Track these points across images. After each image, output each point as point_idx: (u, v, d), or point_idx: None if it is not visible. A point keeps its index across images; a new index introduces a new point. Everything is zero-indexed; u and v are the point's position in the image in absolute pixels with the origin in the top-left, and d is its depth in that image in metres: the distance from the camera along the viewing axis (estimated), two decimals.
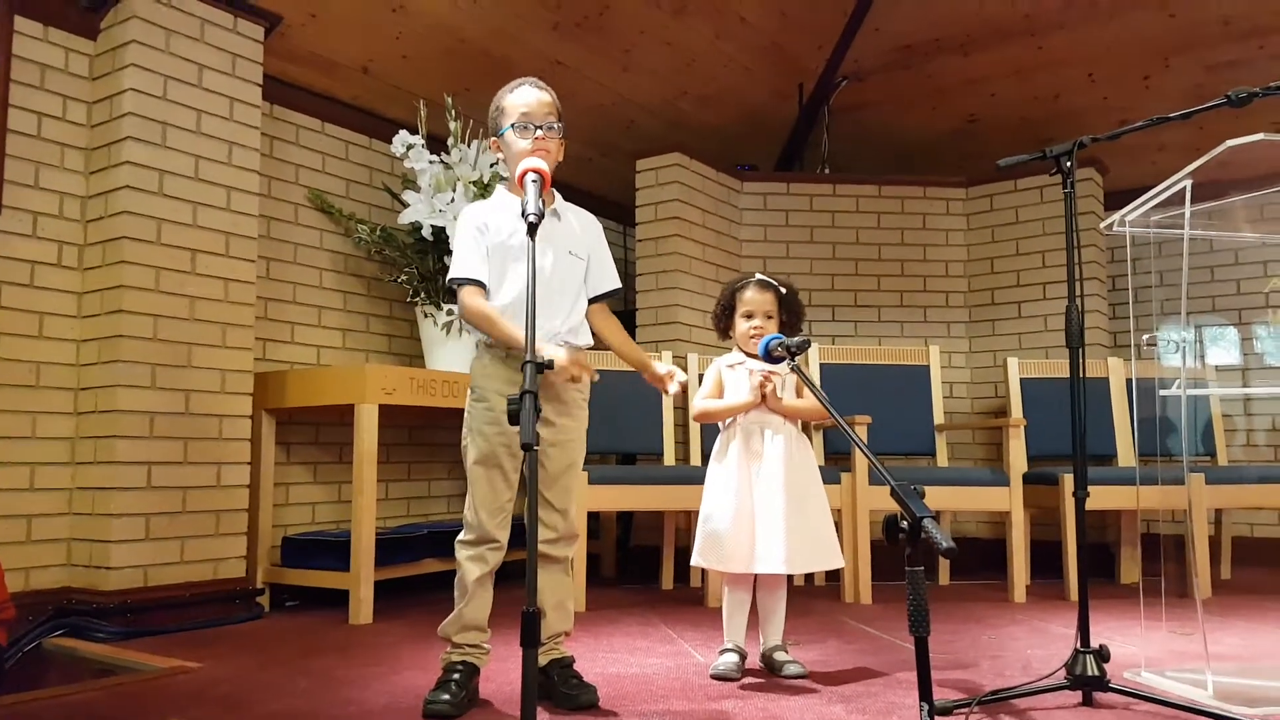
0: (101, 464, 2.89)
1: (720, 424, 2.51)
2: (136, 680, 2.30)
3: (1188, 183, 2.13)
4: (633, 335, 4.44)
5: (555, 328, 2.09)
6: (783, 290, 2.48)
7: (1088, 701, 2.02)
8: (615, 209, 5.01)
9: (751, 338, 2.43)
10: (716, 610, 2.48)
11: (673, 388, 2.23)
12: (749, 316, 2.45)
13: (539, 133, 2.08)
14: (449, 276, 2.17)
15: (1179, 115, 2.13)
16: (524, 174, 1.89)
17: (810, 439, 4.08)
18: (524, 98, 2.12)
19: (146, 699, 2.13)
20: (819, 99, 4.80)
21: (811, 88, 4.77)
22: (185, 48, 3.11)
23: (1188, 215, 2.15)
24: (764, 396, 2.39)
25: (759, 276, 2.50)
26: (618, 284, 2.27)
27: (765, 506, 2.33)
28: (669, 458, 3.95)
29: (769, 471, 2.36)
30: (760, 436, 2.40)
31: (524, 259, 2.07)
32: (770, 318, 2.44)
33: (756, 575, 2.41)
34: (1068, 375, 4.21)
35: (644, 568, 4.19)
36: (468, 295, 2.11)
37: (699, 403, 2.54)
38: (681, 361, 4.14)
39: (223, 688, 2.21)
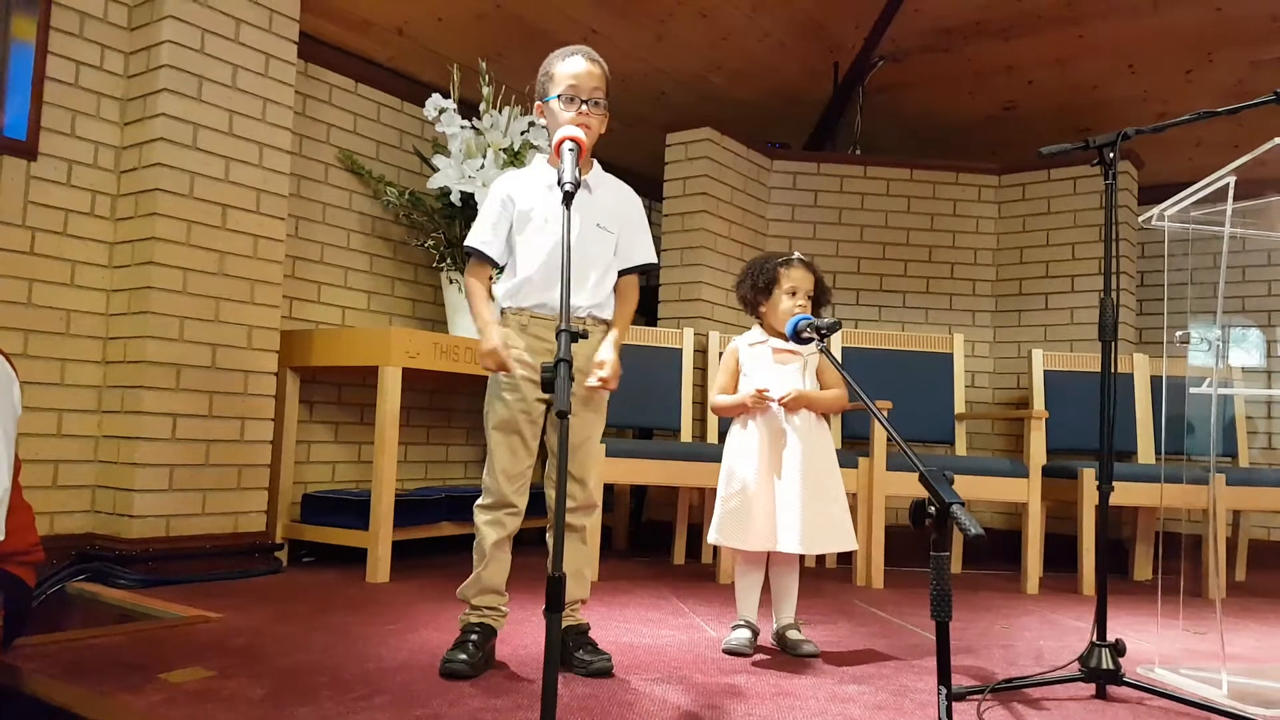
0: (128, 413, 2.93)
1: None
2: (158, 627, 2.34)
3: (1231, 179, 2.10)
4: (654, 312, 4.44)
5: (579, 302, 2.09)
6: (817, 274, 2.48)
7: (1101, 694, 2.02)
8: (641, 182, 4.95)
9: (792, 314, 2.40)
10: (728, 587, 2.50)
11: (590, 380, 2.05)
12: (793, 293, 2.42)
13: (584, 107, 2.07)
14: (465, 242, 2.20)
15: (1226, 110, 2.10)
16: (560, 142, 1.88)
17: (829, 422, 4.10)
18: (573, 68, 2.10)
19: (168, 645, 2.16)
20: (854, 79, 4.74)
21: (847, 67, 4.71)
22: (223, 1, 3.11)
23: (1229, 212, 2.12)
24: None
25: (799, 255, 2.49)
26: (650, 258, 2.25)
27: (785, 487, 2.33)
28: (686, 434, 3.95)
29: (789, 452, 2.36)
30: (780, 417, 2.40)
31: (544, 230, 2.09)
32: (810, 298, 2.44)
33: (770, 554, 2.42)
34: (1091, 369, 4.20)
35: (656, 541, 4.22)
36: (470, 266, 2.18)
37: (713, 397, 2.55)
38: (703, 339, 4.13)
39: (243, 638, 2.25)
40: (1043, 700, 1.98)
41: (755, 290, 2.49)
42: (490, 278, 2.20)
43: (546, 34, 3.85)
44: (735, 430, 2.47)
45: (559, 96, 2.08)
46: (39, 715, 1.82)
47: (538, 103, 2.17)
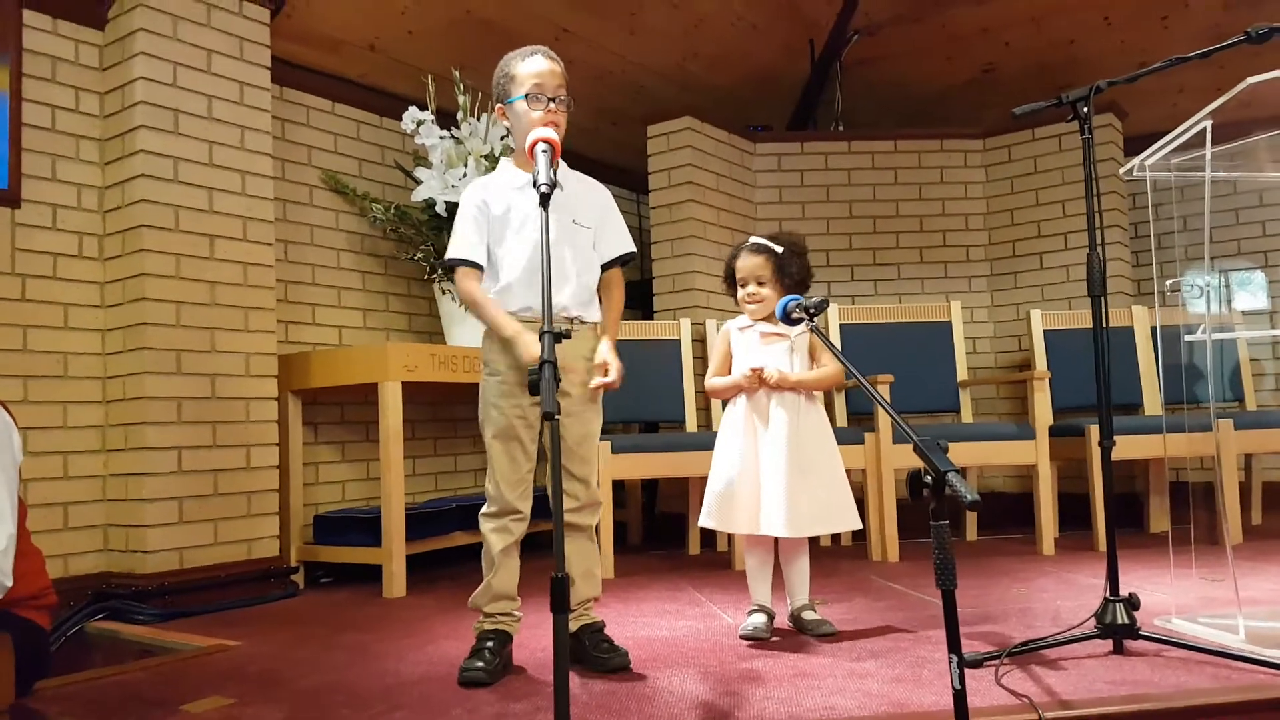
0: (132, 450, 2.94)
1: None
2: (177, 660, 2.36)
3: (1208, 123, 2.09)
4: (649, 304, 4.44)
5: (562, 301, 2.08)
6: (778, 250, 2.42)
7: (1118, 650, 2.02)
8: (627, 177, 4.99)
9: (747, 303, 2.43)
10: (743, 573, 2.50)
11: (593, 382, 2.06)
12: (743, 284, 2.44)
13: (551, 105, 2.07)
14: (445, 257, 2.18)
15: (1197, 55, 2.08)
16: (534, 144, 1.88)
17: (832, 400, 4.10)
18: (536, 67, 2.10)
19: (187, 678, 2.18)
20: (830, 55, 4.73)
21: (823, 44, 4.70)
22: (192, 33, 3.11)
23: (1208, 157, 2.11)
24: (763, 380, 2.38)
25: (752, 240, 2.47)
26: (629, 248, 2.25)
27: (769, 470, 2.33)
28: (691, 424, 3.95)
29: (774, 435, 2.35)
30: (766, 400, 2.39)
31: (522, 233, 2.09)
32: (762, 283, 2.42)
33: (777, 537, 2.42)
34: (1090, 326, 4.18)
35: (670, 534, 4.22)
36: (461, 278, 2.15)
37: (708, 380, 2.55)
38: (700, 329, 4.13)
39: (261, 664, 2.26)
40: (1060, 660, 1.98)
41: (726, 284, 2.53)
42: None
43: (518, 37, 3.82)
44: (727, 413, 2.48)
45: (525, 97, 2.08)
46: None
47: (498, 106, 2.16)
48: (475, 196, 2.17)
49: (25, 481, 2.78)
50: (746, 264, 2.44)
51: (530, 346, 1.96)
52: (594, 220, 2.19)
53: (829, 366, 2.43)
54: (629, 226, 2.33)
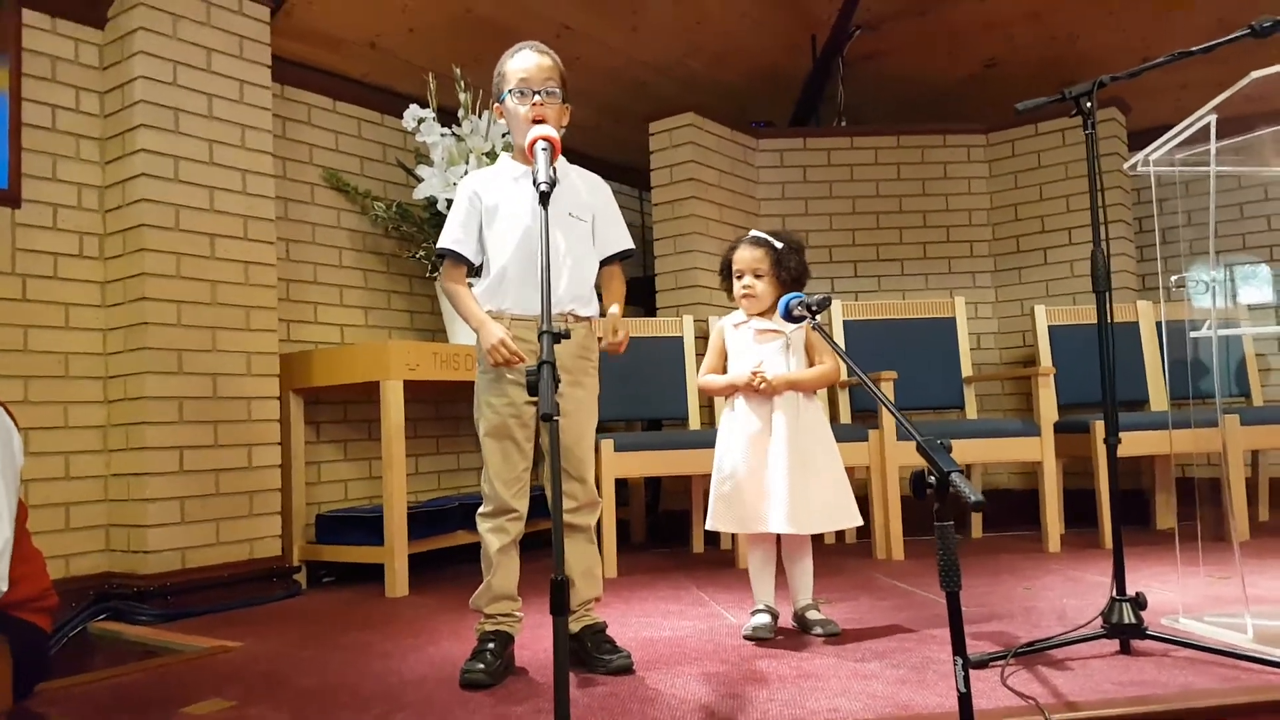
0: (134, 450, 2.93)
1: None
2: (179, 661, 2.35)
3: (1212, 118, 2.07)
4: (652, 300, 4.43)
5: (557, 294, 2.06)
6: (778, 245, 2.40)
7: (1125, 650, 2.00)
8: (629, 174, 4.97)
9: (742, 297, 2.41)
10: (747, 572, 2.49)
11: (603, 343, 2.12)
12: (739, 276, 2.42)
13: (536, 98, 2.05)
14: (437, 245, 2.19)
15: (1200, 49, 2.06)
16: (534, 142, 1.87)
17: (836, 397, 4.08)
18: (523, 63, 2.09)
19: (189, 678, 2.17)
20: (832, 50, 4.70)
21: (825, 39, 4.68)
22: (192, 32, 3.10)
23: (1213, 151, 2.08)
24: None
25: (752, 234, 2.45)
26: (628, 244, 2.24)
27: (771, 468, 2.32)
28: (694, 422, 3.94)
29: (775, 432, 2.34)
30: (766, 401, 2.37)
31: (514, 222, 2.06)
32: (760, 276, 2.39)
33: (780, 536, 2.41)
34: (1095, 321, 4.16)
35: (673, 532, 4.21)
36: (445, 270, 2.18)
37: (701, 376, 2.53)
38: (702, 325, 4.11)
39: (264, 665, 2.25)
40: (1066, 660, 1.96)
41: (722, 277, 2.51)
42: (468, 283, 2.19)
43: (519, 34, 3.78)
44: (725, 414, 2.46)
45: (511, 92, 2.07)
46: None
47: (495, 104, 2.15)
48: (468, 187, 2.16)
49: (27, 482, 2.78)
50: (745, 255, 2.42)
51: (491, 335, 2.00)
52: (591, 213, 2.17)
53: (827, 364, 2.42)
54: (632, 224, 2.32)
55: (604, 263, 2.21)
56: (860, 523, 2.43)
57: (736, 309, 2.51)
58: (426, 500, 3.80)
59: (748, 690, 1.86)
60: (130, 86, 2.99)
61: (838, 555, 3.61)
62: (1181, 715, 1.63)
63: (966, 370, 4.14)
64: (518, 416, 2.08)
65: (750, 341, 2.43)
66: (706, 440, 3.46)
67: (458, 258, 2.14)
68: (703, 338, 4.10)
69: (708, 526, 2.43)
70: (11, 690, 1.86)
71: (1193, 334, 2.15)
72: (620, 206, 2.30)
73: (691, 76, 4.64)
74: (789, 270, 2.39)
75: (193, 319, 3.04)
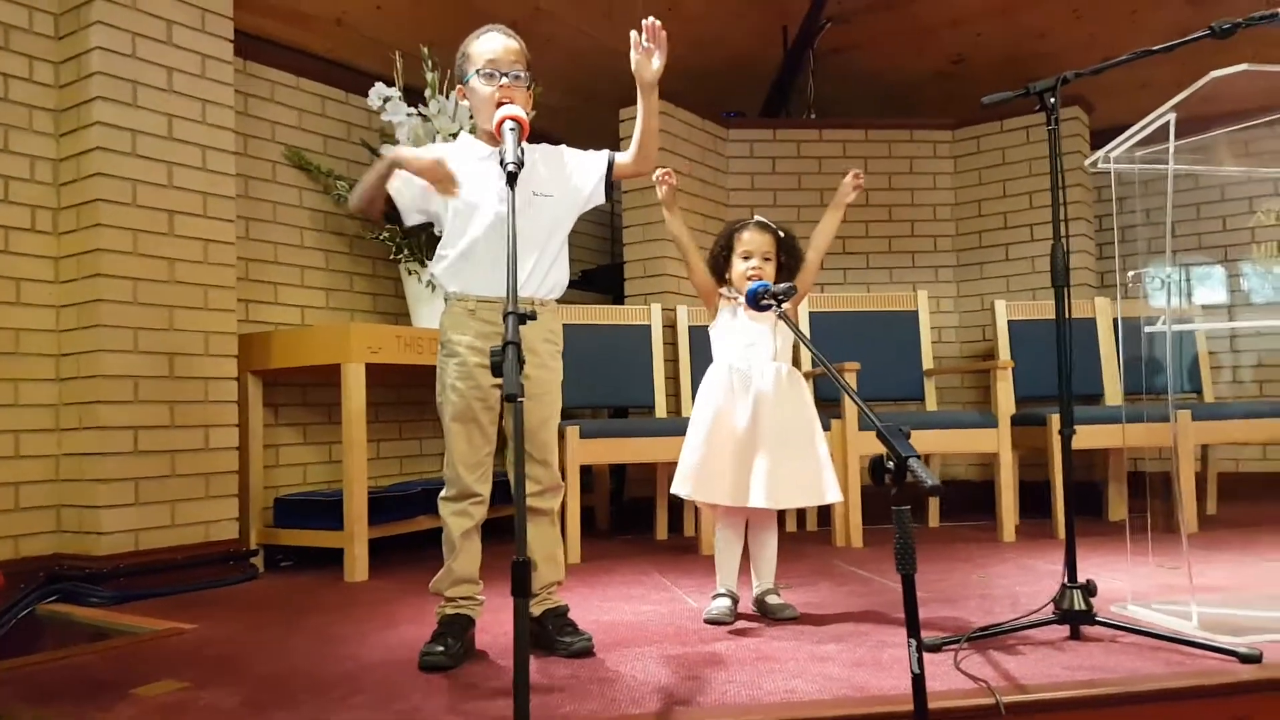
0: (87, 430, 2.88)
1: (712, 357, 2.49)
2: (130, 642, 2.31)
3: (1171, 116, 2.11)
4: (620, 289, 4.42)
5: (523, 278, 2.04)
6: (781, 234, 2.45)
7: (1075, 635, 2.04)
8: None
9: (749, 278, 2.38)
10: (710, 558, 2.50)
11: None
12: (747, 257, 2.42)
13: (504, 80, 2.03)
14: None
15: (1161, 48, 2.10)
16: (501, 122, 1.85)
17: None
18: (490, 44, 2.07)
19: (140, 660, 2.14)
20: (804, 42, 4.71)
21: (796, 31, 4.68)
22: (152, 3, 3.03)
23: (1171, 150, 2.12)
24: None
25: (758, 218, 2.47)
26: (605, 154, 2.20)
27: (746, 441, 2.32)
28: (660, 410, 3.95)
29: (755, 408, 2.34)
30: (749, 373, 2.38)
31: (482, 207, 2.04)
32: (769, 260, 2.41)
33: (748, 519, 2.43)
34: (1054, 317, 4.22)
35: (638, 519, 4.22)
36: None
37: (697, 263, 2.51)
38: (671, 314, 4.12)
39: (217, 648, 2.22)
40: (1018, 645, 2.00)
41: (715, 258, 2.50)
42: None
43: (489, 15, 3.73)
44: (706, 380, 2.45)
45: (478, 73, 2.05)
46: None
47: (459, 86, 2.13)
48: (437, 149, 2.14)
49: None
50: (757, 239, 2.42)
51: (425, 152, 1.99)
52: (556, 186, 2.13)
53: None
54: (601, 211, 2.31)
55: (612, 169, 2.18)
56: (841, 499, 2.44)
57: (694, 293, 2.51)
58: (388, 485, 3.77)
59: (706, 672, 1.88)
60: (87, 57, 2.92)
61: (798, 542, 3.65)
62: (1128, 698, 1.67)
63: (928, 363, 4.19)
64: (483, 400, 2.07)
65: (745, 319, 2.42)
66: (674, 429, 3.48)
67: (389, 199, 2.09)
68: (670, 326, 4.11)
69: (674, 491, 2.40)
70: None
71: (1147, 329, 2.19)
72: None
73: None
74: (794, 257, 2.44)
75: (149, 297, 2.98)
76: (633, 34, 2.03)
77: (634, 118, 4.17)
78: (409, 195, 2.08)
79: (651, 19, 2.02)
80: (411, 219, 2.13)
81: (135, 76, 2.98)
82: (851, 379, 3.56)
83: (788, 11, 4.57)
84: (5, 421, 2.84)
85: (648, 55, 2.04)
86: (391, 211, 2.12)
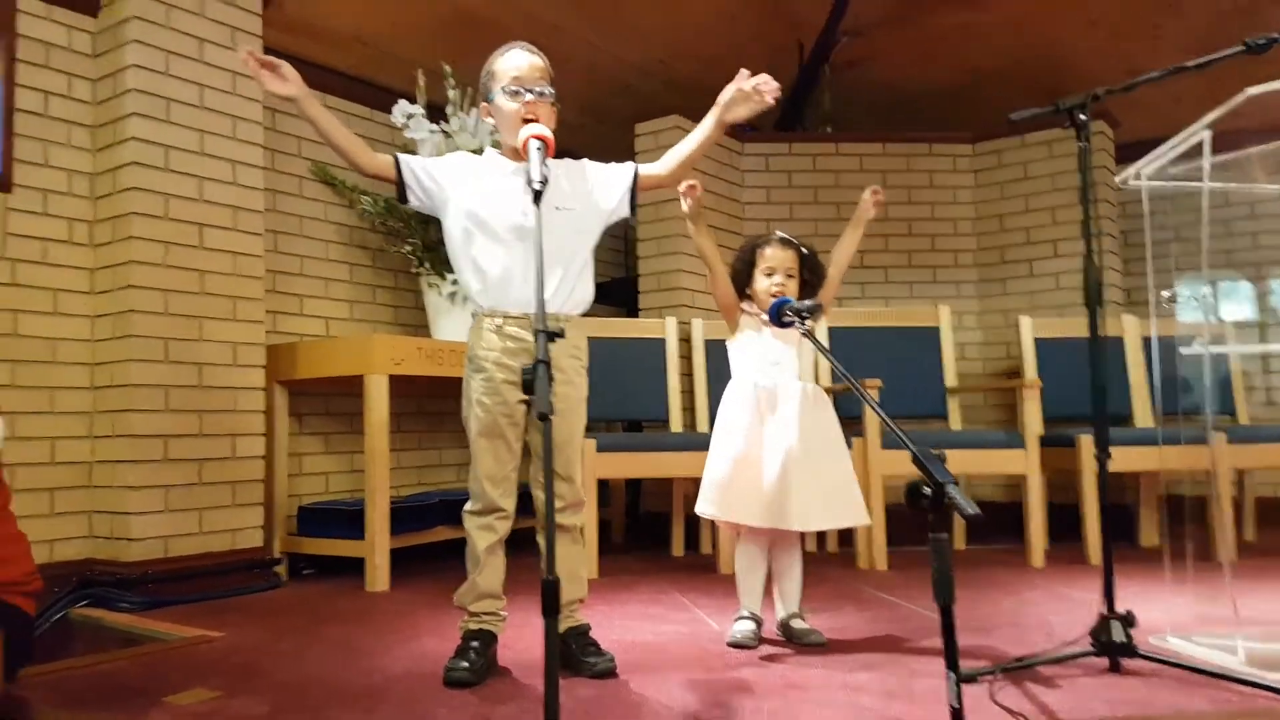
0: (119, 437, 2.91)
1: (731, 372, 2.47)
2: (161, 649, 2.34)
3: (1207, 134, 2.08)
4: (634, 303, 4.42)
5: (549, 294, 2.03)
6: (804, 251, 2.43)
7: (1115, 668, 1.96)
8: None
9: (773, 295, 2.35)
10: (729, 577, 2.47)
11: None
12: (769, 273, 2.40)
13: (529, 97, 2.04)
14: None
15: (1196, 64, 2.07)
16: (527, 140, 1.86)
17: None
18: (515, 61, 2.08)
19: (171, 667, 2.16)
20: (820, 56, 4.70)
21: (812, 45, 4.68)
22: (185, 22, 3.08)
23: (1207, 167, 2.09)
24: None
25: (780, 234, 2.45)
26: (630, 166, 2.23)
27: (775, 462, 2.27)
28: (675, 424, 3.93)
29: (782, 428, 2.30)
30: (774, 392, 2.35)
31: (509, 224, 2.04)
32: (792, 276, 2.39)
33: (772, 540, 2.40)
34: (1082, 334, 4.12)
35: (653, 534, 4.21)
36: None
37: (719, 275, 2.49)
38: (686, 328, 4.11)
39: (245, 656, 2.24)
40: (1055, 677, 1.94)
41: (736, 273, 2.47)
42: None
43: (509, 33, 3.76)
44: (730, 398, 2.42)
45: (503, 90, 2.06)
46: None
47: (483, 103, 2.14)
48: (461, 157, 2.19)
49: (12, 466, 2.76)
50: (780, 255, 2.41)
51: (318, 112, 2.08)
52: (578, 201, 2.14)
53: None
54: (616, 225, 2.31)
55: (637, 180, 2.21)
56: (868, 521, 2.42)
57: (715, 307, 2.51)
58: (407, 495, 3.79)
59: (734, 699, 1.85)
60: (122, 75, 2.97)
61: (819, 564, 3.61)
62: None
63: (951, 380, 4.15)
64: (509, 416, 2.08)
65: (769, 333, 2.39)
66: (689, 443, 3.47)
67: (396, 163, 2.12)
68: (685, 340, 4.10)
69: (699, 511, 2.37)
70: (1, 674, 1.84)
71: (1183, 350, 2.15)
72: None
73: (677, 78, 4.64)
74: (816, 274, 2.44)
75: (180, 308, 3.02)
76: (744, 70, 2.08)
77: (649, 133, 4.20)
78: (414, 181, 2.13)
79: (769, 79, 2.08)
80: (411, 201, 2.16)
81: (169, 93, 3.03)
82: (873, 396, 3.53)
83: (804, 25, 4.57)
84: (41, 428, 2.88)
85: (746, 100, 2.09)
86: (400, 188, 2.15)
